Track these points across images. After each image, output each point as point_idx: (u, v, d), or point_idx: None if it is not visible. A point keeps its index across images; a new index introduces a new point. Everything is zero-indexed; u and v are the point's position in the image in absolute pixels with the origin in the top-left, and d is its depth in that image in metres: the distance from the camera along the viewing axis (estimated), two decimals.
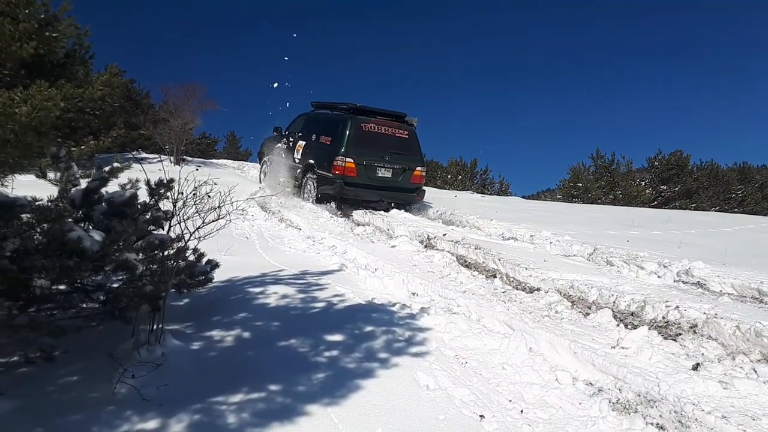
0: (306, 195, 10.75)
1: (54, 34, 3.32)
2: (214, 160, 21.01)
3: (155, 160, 10.86)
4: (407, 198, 10.59)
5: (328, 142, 10.27)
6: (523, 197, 23.31)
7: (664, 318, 4.19)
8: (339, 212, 9.87)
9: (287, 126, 12.67)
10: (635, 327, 3.92)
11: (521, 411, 2.79)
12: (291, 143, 11.79)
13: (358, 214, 9.52)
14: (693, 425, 2.72)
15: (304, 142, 11.22)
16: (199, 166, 14.24)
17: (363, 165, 9.89)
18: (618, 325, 4.01)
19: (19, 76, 3.13)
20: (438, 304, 4.39)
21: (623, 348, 3.53)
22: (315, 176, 10.44)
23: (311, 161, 10.69)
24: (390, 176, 10.24)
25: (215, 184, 3.55)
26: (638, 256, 6.11)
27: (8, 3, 2.82)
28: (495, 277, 5.52)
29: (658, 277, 5.46)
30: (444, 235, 7.36)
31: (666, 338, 3.77)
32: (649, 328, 3.84)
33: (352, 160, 9.78)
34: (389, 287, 4.86)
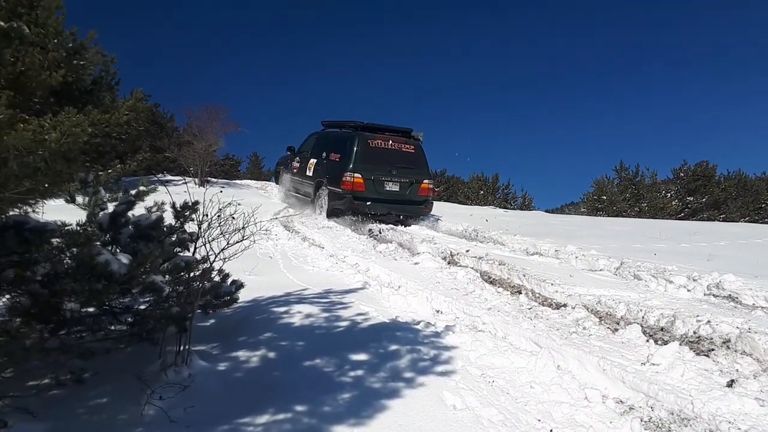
0: (319, 210, 11.06)
1: (82, 62, 3.40)
2: (237, 181, 21.29)
3: (180, 182, 11.04)
4: (415, 210, 10.83)
5: (338, 159, 10.64)
6: (546, 211, 23.18)
7: (695, 333, 4.09)
8: (361, 230, 9.93)
9: (300, 145, 13.21)
10: (665, 342, 3.83)
11: (550, 431, 2.74)
12: (303, 161, 12.26)
13: (380, 231, 9.54)
14: None
15: (315, 160, 11.63)
16: (223, 188, 14.44)
17: (371, 180, 10.20)
18: (647, 341, 3.92)
19: (49, 104, 3.21)
20: (463, 322, 4.34)
21: (654, 364, 3.45)
22: (326, 192, 10.75)
23: (322, 178, 11.03)
24: (398, 190, 10.52)
25: (239, 204, 3.59)
26: (666, 269, 5.99)
27: (38, 33, 2.90)
28: (520, 293, 5.45)
29: (688, 290, 5.33)
30: (467, 251, 7.32)
31: (698, 354, 3.67)
32: (680, 344, 3.74)
33: (360, 176, 10.12)
34: (413, 305, 4.83)
